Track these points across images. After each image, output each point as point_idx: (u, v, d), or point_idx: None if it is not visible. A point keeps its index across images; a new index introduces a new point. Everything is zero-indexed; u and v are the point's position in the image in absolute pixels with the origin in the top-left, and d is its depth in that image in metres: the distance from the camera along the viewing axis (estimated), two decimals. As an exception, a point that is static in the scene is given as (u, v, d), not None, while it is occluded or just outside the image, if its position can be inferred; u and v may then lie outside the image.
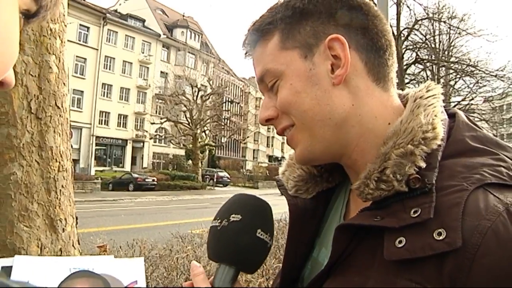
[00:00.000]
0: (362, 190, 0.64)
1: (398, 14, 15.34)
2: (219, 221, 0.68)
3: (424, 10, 13.55)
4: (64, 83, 1.82)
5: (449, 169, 0.59)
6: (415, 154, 0.60)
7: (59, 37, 1.80)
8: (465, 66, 14.85)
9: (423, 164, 0.60)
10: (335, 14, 0.67)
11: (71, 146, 1.92)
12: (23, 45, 1.65)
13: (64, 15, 1.85)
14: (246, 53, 0.74)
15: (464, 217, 0.52)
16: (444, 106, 0.69)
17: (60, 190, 1.78)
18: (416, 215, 0.56)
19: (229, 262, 0.67)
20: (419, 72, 16.16)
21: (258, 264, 0.71)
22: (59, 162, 1.78)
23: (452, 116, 0.69)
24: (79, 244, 1.94)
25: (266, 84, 0.71)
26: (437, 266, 0.52)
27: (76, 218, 1.90)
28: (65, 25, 1.85)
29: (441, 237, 0.52)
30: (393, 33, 0.72)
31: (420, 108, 0.65)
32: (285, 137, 0.73)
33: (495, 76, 14.38)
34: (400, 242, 0.55)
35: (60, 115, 1.80)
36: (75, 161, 31.16)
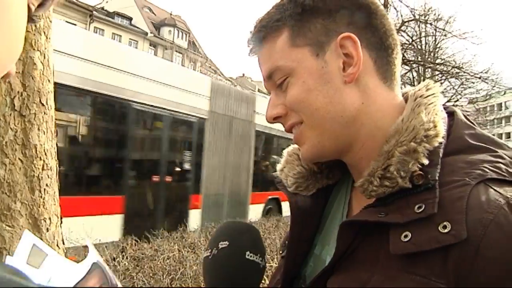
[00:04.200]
0: (366, 188, 0.64)
1: (385, 15, 15.34)
2: (209, 251, 0.69)
3: (411, 11, 13.60)
4: (49, 80, 1.79)
5: (450, 165, 0.61)
6: (418, 151, 0.61)
7: (44, 33, 1.76)
8: (450, 67, 14.97)
9: (426, 161, 0.61)
10: (345, 13, 0.67)
11: (57, 145, 1.88)
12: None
13: (49, 11, 1.81)
14: (251, 50, 0.74)
15: (467, 210, 0.54)
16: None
17: (45, 189, 1.75)
18: (420, 210, 0.57)
19: None
20: (406, 73, 16.24)
21: (254, 285, 0.71)
22: (44, 161, 1.75)
23: (450, 114, 0.70)
24: (64, 244, 1.91)
25: (275, 81, 0.70)
26: (442, 259, 0.53)
27: (61, 218, 1.86)
28: (50, 21, 1.82)
29: (446, 230, 0.53)
30: None
31: (421, 107, 0.66)
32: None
33: (480, 78, 14.52)
34: (405, 236, 0.56)
35: (44, 113, 1.76)
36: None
